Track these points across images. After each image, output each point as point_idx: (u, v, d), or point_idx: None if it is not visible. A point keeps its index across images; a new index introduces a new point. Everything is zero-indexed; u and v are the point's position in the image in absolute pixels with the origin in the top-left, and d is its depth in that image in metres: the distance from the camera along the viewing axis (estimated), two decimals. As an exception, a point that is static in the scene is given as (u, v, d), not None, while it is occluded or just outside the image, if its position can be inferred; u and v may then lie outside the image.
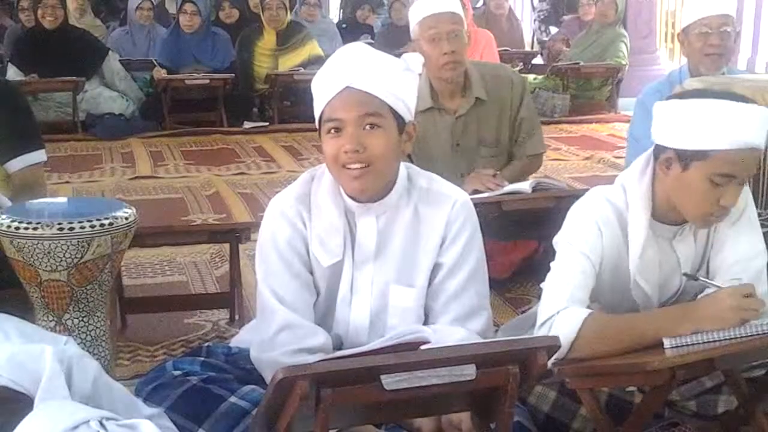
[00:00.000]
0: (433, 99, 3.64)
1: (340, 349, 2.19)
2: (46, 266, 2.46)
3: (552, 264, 2.26)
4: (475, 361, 1.72)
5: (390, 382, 1.67)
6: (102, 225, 2.47)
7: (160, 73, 7.47)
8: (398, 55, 2.22)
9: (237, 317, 3.33)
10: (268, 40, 7.72)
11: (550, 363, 1.95)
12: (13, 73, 7.13)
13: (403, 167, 2.23)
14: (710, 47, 3.46)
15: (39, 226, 2.43)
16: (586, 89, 8.23)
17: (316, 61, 7.08)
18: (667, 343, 2.02)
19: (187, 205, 5.17)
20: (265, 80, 7.65)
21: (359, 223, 2.20)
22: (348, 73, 2.09)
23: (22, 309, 2.45)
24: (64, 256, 2.44)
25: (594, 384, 2.19)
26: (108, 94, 7.39)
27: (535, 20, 10.90)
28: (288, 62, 7.69)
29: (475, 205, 2.29)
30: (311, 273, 2.21)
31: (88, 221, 2.46)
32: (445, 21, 3.52)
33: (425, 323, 2.20)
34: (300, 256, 2.19)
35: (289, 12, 7.86)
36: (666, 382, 1.95)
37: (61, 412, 1.42)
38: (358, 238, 2.20)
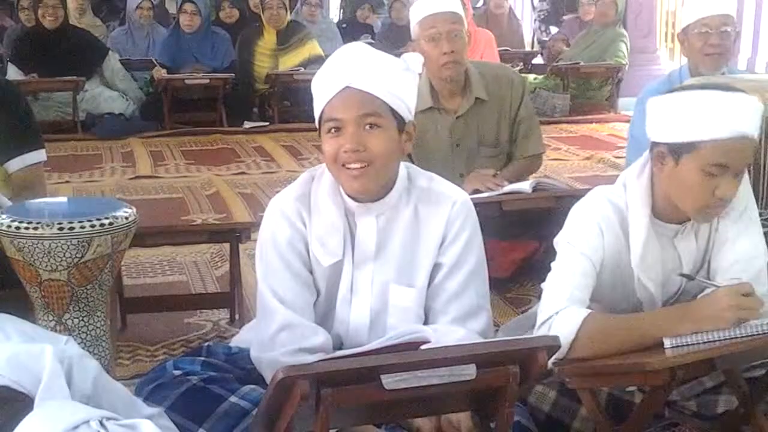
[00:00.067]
0: (433, 99, 3.64)
1: (340, 348, 2.19)
2: (46, 266, 2.46)
3: (552, 264, 2.26)
4: (475, 361, 1.72)
5: (390, 381, 1.67)
6: (102, 225, 2.47)
7: (160, 73, 7.47)
8: (398, 55, 2.22)
9: (237, 317, 3.33)
10: (268, 39, 7.72)
11: (550, 363, 1.95)
12: (13, 73, 7.14)
13: (403, 167, 2.23)
14: (710, 47, 3.46)
15: (39, 225, 2.43)
16: (586, 89, 8.23)
17: (317, 61, 7.08)
18: (667, 343, 2.02)
19: (188, 205, 5.17)
20: (265, 80, 7.65)
21: (359, 223, 2.20)
22: (348, 72, 2.09)
23: (22, 309, 2.45)
24: (64, 256, 2.44)
25: (594, 384, 2.19)
26: (108, 94, 7.40)
27: (535, 20, 10.90)
28: (288, 62, 7.69)
29: (475, 205, 2.29)
30: (311, 273, 2.21)
31: (89, 221, 2.46)
32: (445, 21, 3.52)
33: (425, 323, 2.20)
34: (300, 256, 2.19)
35: (289, 12, 7.87)
36: (666, 382, 1.95)
37: (61, 412, 1.42)
38: (357, 237, 2.20)
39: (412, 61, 2.18)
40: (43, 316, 2.55)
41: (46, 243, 2.43)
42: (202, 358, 2.28)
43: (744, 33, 7.66)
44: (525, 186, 3.48)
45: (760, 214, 2.34)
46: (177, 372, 2.21)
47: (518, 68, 8.11)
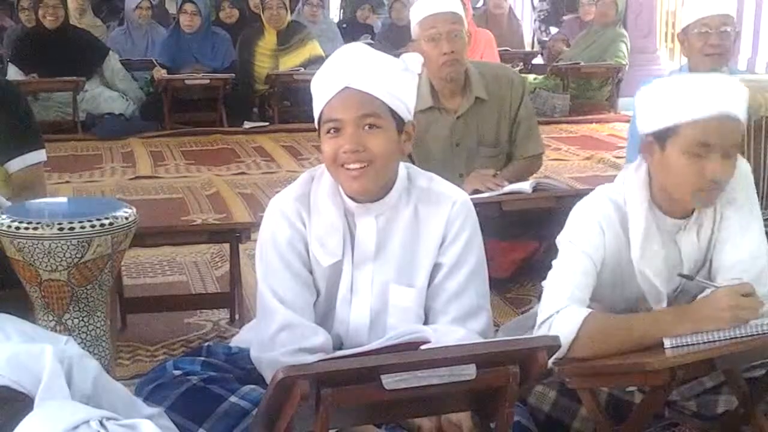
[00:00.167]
0: (433, 98, 3.64)
1: (340, 348, 2.19)
2: (46, 266, 2.46)
3: (554, 262, 2.27)
4: (475, 361, 1.72)
5: (390, 381, 1.67)
6: (102, 225, 2.47)
7: (160, 73, 7.47)
8: (398, 55, 2.22)
9: (237, 317, 3.33)
10: (268, 40, 7.72)
11: (550, 362, 1.95)
12: (13, 73, 7.14)
13: (403, 167, 2.23)
14: (710, 47, 3.46)
15: (39, 226, 2.43)
16: (586, 89, 8.23)
17: (317, 61, 7.07)
18: (667, 343, 2.02)
19: (188, 205, 5.17)
20: (266, 80, 7.65)
21: (359, 223, 2.20)
22: (347, 73, 2.09)
23: (22, 309, 2.45)
24: (64, 256, 2.44)
25: (594, 384, 2.19)
26: (108, 94, 7.40)
27: (535, 20, 10.89)
28: (288, 62, 7.69)
29: (475, 205, 2.29)
30: (311, 273, 2.21)
31: (89, 221, 2.46)
32: (445, 21, 3.52)
33: (425, 323, 2.20)
34: (300, 256, 2.19)
35: (289, 12, 7.87)
36: (666, 382, 1.95)
37: (61, 412, 1.42)
38: (357, 238, 2.20)
39: (411, 61, 2.18)
40: (43, 316, 2.55)
41: (46, 243, 2.43)
42: (202, 358, 2.28)
43: (744, 33, 7.66)
44: (525, 186, 3.48)
45: (762, 214, 2.34)
46: (177, 372, 2.21)
47: (518, 68, 8.11)
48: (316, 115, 2.16)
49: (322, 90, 2.13)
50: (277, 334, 2.14)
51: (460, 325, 2.17)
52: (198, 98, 7.50)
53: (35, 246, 2.44)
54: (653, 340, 2.06)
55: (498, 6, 8.91)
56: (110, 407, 1.56)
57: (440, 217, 2.20)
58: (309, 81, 2.21)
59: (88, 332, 2.56)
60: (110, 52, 7.53)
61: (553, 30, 10.15)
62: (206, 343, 2.55)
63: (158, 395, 2.16)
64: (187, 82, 7.36)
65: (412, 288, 2.20)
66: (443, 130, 3.66)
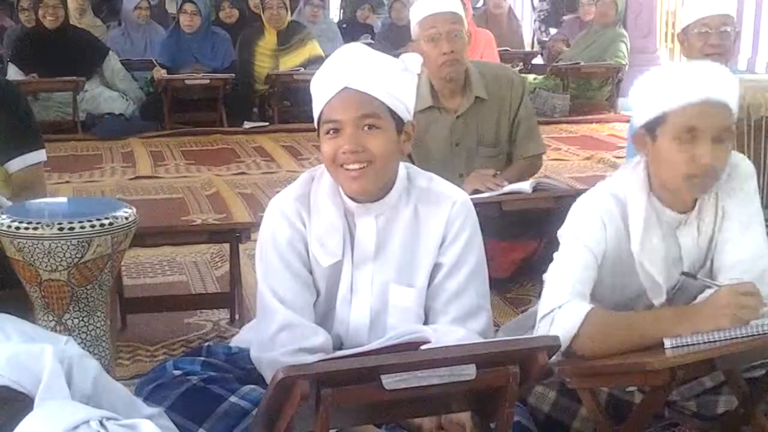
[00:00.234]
0: (433, 98, 3.64)
1: (340, 349, 2.19)
2: (46, 266, 2.46)
3: (555, 255, 2.27)
4: (475, 361, 1.72)
5: (390, 381, 1.67)
6: (102, 225, 2.47)
7: (160, 73, 7.47)
8: (398, 55, 2.22)
9: (237, 317, 3.33)
10: (268, 40, 7.72)
11: (550, 360, 1.95)
12: (13, 73, 7.14)
13: (403, 167, 2.23)
14: (710, 47, 3.46)
15: (39, 226, 2.43)
16: (586, 89, 8.24)
17: (317, 61, 7.07)
18: (667, 343, 2.02)
19: (188, 205, 5.17)
20: (266, 80, 7.65)
21: (359, 224, 2.20)
22: (346, 73, 2.09)
23: (22, 309, 2.45)
24: (64, 256, 2.44)
25: (594, 384, 2.19)
26: (108, 94, 7.40)
27: (535, 20, 10.89)
28: (289, 62, 7.69)
29: (475, 205, 2.29)
30: (311, 273, 2.21)
31: (89, 221, 2.46)
32: (445, 21, 3.52)
33: (425, 323, 2.20)
34: (300, 256, 2.19)
35: (289, 12, 7.87)
36: (666, 382, 1.95)
37: (61, 412, 1.42)
38: (357, 238, 2.20)
39: (411, 61, 2.18)
40: (43, 316, 2.55)
41: (46, 243, 2.43)
42: (202, 358, 2.28)
43: (744, 33, 7.65)
44: (525, 186, 3.48)
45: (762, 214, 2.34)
46: (177, 372, 2.21)
47: (518, 68, 8.12)
48: (315, 116, 2.16)
49: (322, 90, 2.13)
50: (277, 334, 2.14)
51: (460, 325, 2.17)
52: (198, 98, 7.51)
53: (35, 246, 2.44)
54: (653, 339, 2.06)
55: (498, 6, 8.92)
56: (110, 407, 1.56)
57: (440, 217, 2.20)
58: (309, 81, 2.21)
59: (88, 332, 2.56)
60: (110, 52, 7.54)
61: (553, 30, 10.15)
62: (206, 343, 2.55)
63: (158, 395, 2.16)
64: (187, 82, 7.36)
65: (412, 288, 2.20)
66: (443, 130, 3.66)
